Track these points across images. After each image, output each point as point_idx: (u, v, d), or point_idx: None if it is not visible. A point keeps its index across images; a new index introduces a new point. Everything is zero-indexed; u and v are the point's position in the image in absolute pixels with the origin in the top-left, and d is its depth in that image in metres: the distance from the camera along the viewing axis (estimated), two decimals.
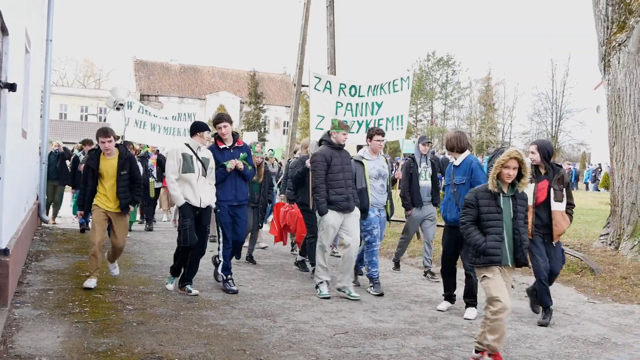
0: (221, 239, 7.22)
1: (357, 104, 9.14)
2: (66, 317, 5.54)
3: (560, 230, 6.33)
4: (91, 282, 6.75)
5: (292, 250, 10.79)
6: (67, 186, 13.90)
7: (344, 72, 69.78)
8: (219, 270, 7.33)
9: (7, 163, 5.77)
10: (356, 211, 7.29)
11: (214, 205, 6.98)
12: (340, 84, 8.95)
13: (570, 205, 6.39)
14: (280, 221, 9.72)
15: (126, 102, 12.62)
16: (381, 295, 7.40)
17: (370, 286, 7.61)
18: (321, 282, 7.23)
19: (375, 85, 9.18)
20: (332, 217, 7.12)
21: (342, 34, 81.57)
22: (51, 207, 13.46)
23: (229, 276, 7.27)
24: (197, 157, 6.77)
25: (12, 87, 5.58)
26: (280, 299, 6.95)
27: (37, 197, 11.50)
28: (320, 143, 7.49)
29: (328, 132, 7.44)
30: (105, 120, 55.00)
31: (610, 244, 9.75)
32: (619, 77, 9.97)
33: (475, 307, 6.62)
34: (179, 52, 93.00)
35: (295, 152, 11.41)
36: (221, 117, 7.23)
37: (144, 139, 13.55)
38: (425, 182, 8.78)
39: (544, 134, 55.79)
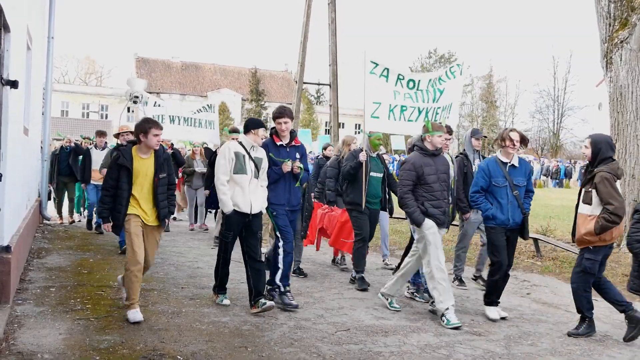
0: (280, 244, 6.43)
1: (416, 92, 8.31)
2: (68, 314, 5.55)
3: (579, 235, 5.83)
4: (137, 314, 5.47)
5: (339, 262, 9.31)
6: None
7: (346, 70, 69.64)
8: (277, 279, 6.45)
9: (9, 160, 5.77)
10: (443, 230, 6.52)
11: (264, 211, 6.36)
12: (399, 75, 8.22)
13: (606, 211, 5.64)
14: (317, 223, 8.90)
15: (142, 95, 11.99)
16: (430, 303, 6.58)
17: (413, 291, 7.21)
18: (447, 309, 6.06)
19: (434, 78, 8.41)
20: (433, 226, 6.25)
21: (343, 32, 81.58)
22: (64, 204, 13.22)
23: (287, 287, 6.48)
24: (250, 157, 6.16)
25: (13, 85, 5.58)
26: None
27: (39, 194, 11.50)
28: (412, 149, 6.65)
29: (421, 136, 6.53)
30: (106, 117, 55.00)
31: None
32: (621, 74, 9.95)
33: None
34: (180, 49, 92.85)
35: (324, 149, 10.77)
36: (282, 112, 6.51)
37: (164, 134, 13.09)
38: None
39: (546, 131, 55.79)
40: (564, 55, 71.11)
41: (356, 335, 5.48)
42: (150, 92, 62.19)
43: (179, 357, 4.58)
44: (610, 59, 10.21)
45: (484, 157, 7.86)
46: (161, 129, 5.79)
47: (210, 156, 11.64)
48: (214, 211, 12.14)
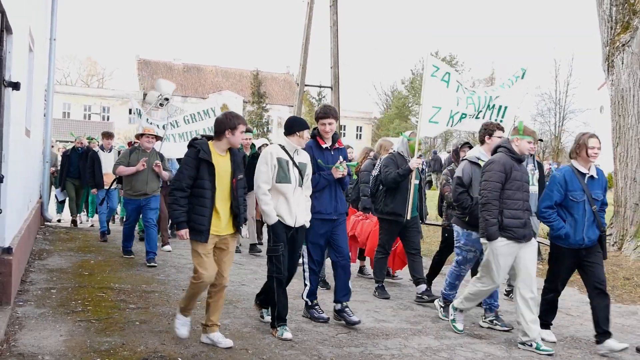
0: (306, 260, 5.97)
1: (476, 98, 7.78)
2: (69, 315, 5.55)
3: None
4: (182, 329, 5.08)
5: (392, 275, 8.63)
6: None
7: (348, 72, 69.75)
8: (304, 295, 6.11)
9: (11, 162, 5.78)
10: (533, 241, 5.78)
11: (308, 224, 5.67)
12: (458, 81, 7.78)
13: None
14: (349, 231, 8.06)
15: (163, 97, 11.02)
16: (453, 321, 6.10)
17: (442, 307, 6.53)
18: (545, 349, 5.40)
19: (491, 89, 8.06)
20: (505, 246, 5.50)
21: (345, 34, 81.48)
22: (65, 205, 13.12)
23: (315, 301, 6.11)
24: (294, 163, 5.50)
25: (15, 86, 5.58)
26: None
27: (41, 196, 11.50)
28: (496, 149, 5.85)
29: (508, 138, 5.94)
30: (108, 119, 55.03)
31: (613, 245, 9.74)
32: (622, 77, 9.95)
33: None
34: (182, 51, 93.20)
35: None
36: (328, 112, 5.95)
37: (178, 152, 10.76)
38: (532, 187, 6.97)
39: (547, 134, 55.70)
40: (566, 58, 70.84)
41: (357, 338, 5.48)
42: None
43: (179, 359, 4.58)
44: (611, 62, 10.21)
45: (539, 163, 7.54)
46: (246, 124, 5.19)
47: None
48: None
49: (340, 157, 5.98)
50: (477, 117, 7.65)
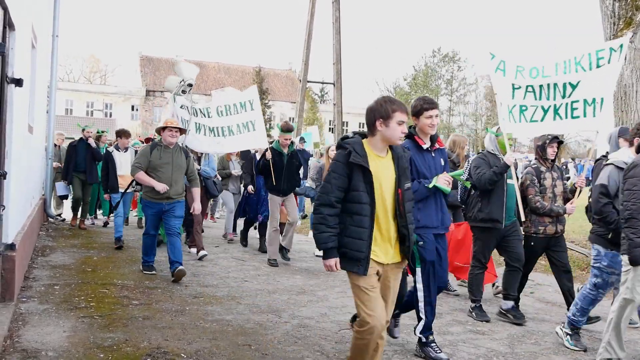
0: (420, 286, 4.95)
1: (540, 86, 6.77)
2: (72, 311, 5.56)
3: None
4: None
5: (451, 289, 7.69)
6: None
7: (350, 68, 69.67)
8: (417, 331, 5.09)
9: (14, 158, 5.79)
10: None
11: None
12: (518, 67, 6.80)
13: None
14: None
15: (185, 85, 9.65)
16: (584, 351, 5.44)
17: (569, 335, 5.58)
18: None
19: (567, 61, 6.73)
20: None
21: (347, 30, 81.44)
22: (62, 203, 12.55)
23: (431, 337, 5.07)
24: None
25: (18, 83, 5.59)
26: (286, 294, 6.96)
27: (43, 192, 11.53)
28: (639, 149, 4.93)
29: None
30: (110, 115, 55.03)
31: None
32: (625, 73, 9.93)
33: None
34: (184, 47, 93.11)
35: None
36: (433, 102, 4.91)
37: (204, 146, 9.52)
38: None
39: None
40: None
41: None
42: (154, 91, 61.31)
43: (182, 354, 4.59)
44: None
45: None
46: (407, 113, 3.99)
47: (246, 158, 10.78)
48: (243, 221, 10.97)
49: (442, 160, 5.00)
50: (546, 111, 6.72)
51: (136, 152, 9.77)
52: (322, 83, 36.62)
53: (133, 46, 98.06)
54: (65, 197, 11.99)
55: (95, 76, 69.12)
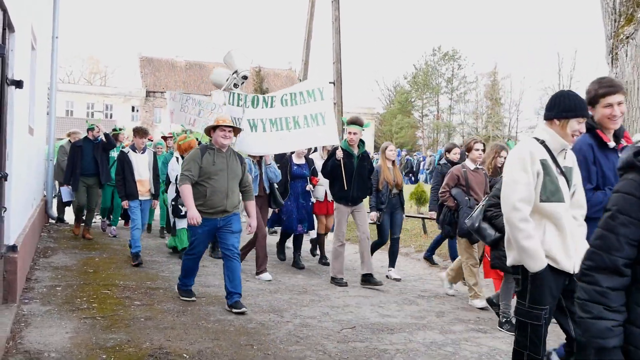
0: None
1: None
2: (74, 313, 5.56)
3: None
4: None
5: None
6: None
7: (350, 67, 69.65)
8: None
9: (15, 160, 5.79)
10: None
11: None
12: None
13: None
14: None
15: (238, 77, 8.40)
16: None
17: None
18: None
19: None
20: None
21: (347, 30, 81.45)
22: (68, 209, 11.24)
23: None
24: (560, 169, 3.59)
25: (18, 84, 5.59)
26: (287, 294, 6.96)
27: (45, 194, 11.53)
28: None
29: None
30: (111, 116, 55.05)
31: None
32: (626, 70, 9.92)
33: None
34: (184, 48, 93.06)
35: (448, 151, 8.82)
36: (616, 85, 4.01)
37: (262, 145, 7.91)
38: None
39: None
40: (569, 51, 70.78)
41: (362, 333, 5.48)
42: (154, 92, 61.08)
43: (185, 355, 4.58)
44: (615, 55, 10.17)
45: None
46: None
47: (280, 161, 9.22)
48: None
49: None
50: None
51: (155, 153, 9.01)
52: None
53: (133, 47, 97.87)
54: (69, 203, 10.87)
55: (95, 77, 69.10)
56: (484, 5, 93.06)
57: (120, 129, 11.58)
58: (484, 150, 7.17)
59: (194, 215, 5.85)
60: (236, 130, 6.35)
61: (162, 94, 56.62)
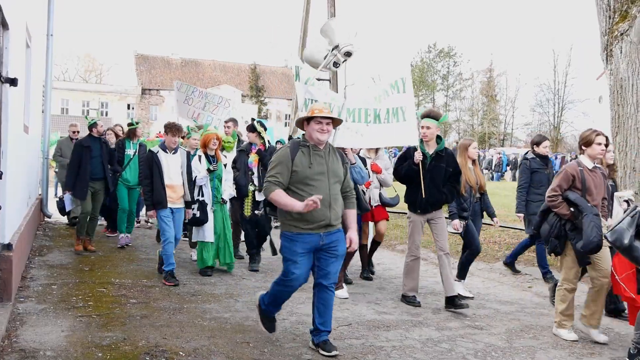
0: None
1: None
2: (70, 311, 5.55)
3: None
4: None
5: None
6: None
7: (345, 64, 69.41)
8: None
9: (9, 158, 5.77)
10: None
11: None
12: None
13: None
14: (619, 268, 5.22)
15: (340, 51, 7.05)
16: None
17: None
18: None
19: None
20: None
21: None
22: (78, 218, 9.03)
23: None
24: None
25: (13, 82, 5.58)
26: None
27: (40, 192, 11.50)
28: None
29: None
30: (106, 114, 54.85)
31: None
32: (621, 66, 9.92)
33: None
34: (179, 46, 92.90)
35: (537, 144, 7.94)
36: None
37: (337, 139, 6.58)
38: None
39: (546, 124, 55.74)
40: (564, 48, 71.03)
41: (358, 330, 5.49)
42: (150, 89, 60.96)
43: (181, 353, 4.58)
44: (610, 52, 10.17)
45: None
46: None
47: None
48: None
49: None
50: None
51: (188, 153, 7.57)
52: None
53: (128, 45, 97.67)
54: (68, 212, 9.65)
55: (90, 75, 68.92)
56: (479, 2, 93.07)
57: (136, 123, 10.02)
58: (606, 145, 5.97)
59: (310, 204, 4.44)
60: (335, 122, 4.88)
61: (158, 91, 56.57)
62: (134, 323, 5.28)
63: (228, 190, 7.89)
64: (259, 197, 7.89)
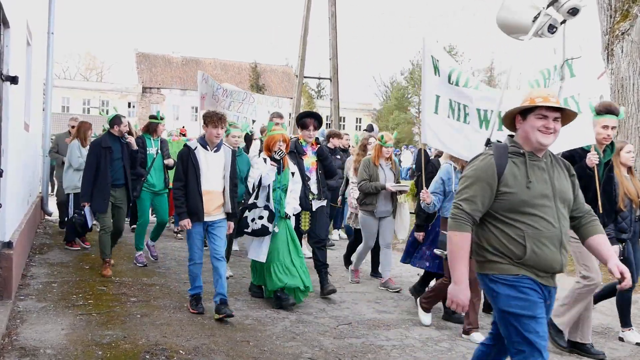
0: None
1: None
2: (70, 309, 5.56)
3: None
4: None
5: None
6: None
7: (347, 63, 69.60)
8: None
9: (10, 156, 5.77)
10: None
11: None
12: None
13: None
14: None
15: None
16: None
17: None
18: None
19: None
20: None
21: (343, 25, 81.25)
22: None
23: None
24: None
25: (13, 80, 5.58)
26: None
27: (41, 190, 11.49)
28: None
29: None
30: (107, 112, 54.88)
31: None
32: (622, 66, 9.93)
33: None
34: (180, 44, 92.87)
35: None
36: None
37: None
38: None
39: None
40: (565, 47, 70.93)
41: (358, 329, 5.49)
42: (150, 87, 60.92)
43: (181, 351, 4.59)
44: (611, 51, 10.19)
45: None
46: None
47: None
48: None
49: None
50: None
51: (234, 152, 6.21)
52: (319, 78, 36.59)
53: (129, 43, 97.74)
54: (89, 228, 7.55)
55: (91, 73, 68.94)
56: (480, 1, 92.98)
57: (161, 118, 8.29)
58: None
59: (462, 299, 3.17)
60: (566, 117, 3.28)
61: (159, 90, 56.56)
62: (134, 321, 5.28)
63: (292, 203, 6.38)
64: (316, 206, 6.82)
